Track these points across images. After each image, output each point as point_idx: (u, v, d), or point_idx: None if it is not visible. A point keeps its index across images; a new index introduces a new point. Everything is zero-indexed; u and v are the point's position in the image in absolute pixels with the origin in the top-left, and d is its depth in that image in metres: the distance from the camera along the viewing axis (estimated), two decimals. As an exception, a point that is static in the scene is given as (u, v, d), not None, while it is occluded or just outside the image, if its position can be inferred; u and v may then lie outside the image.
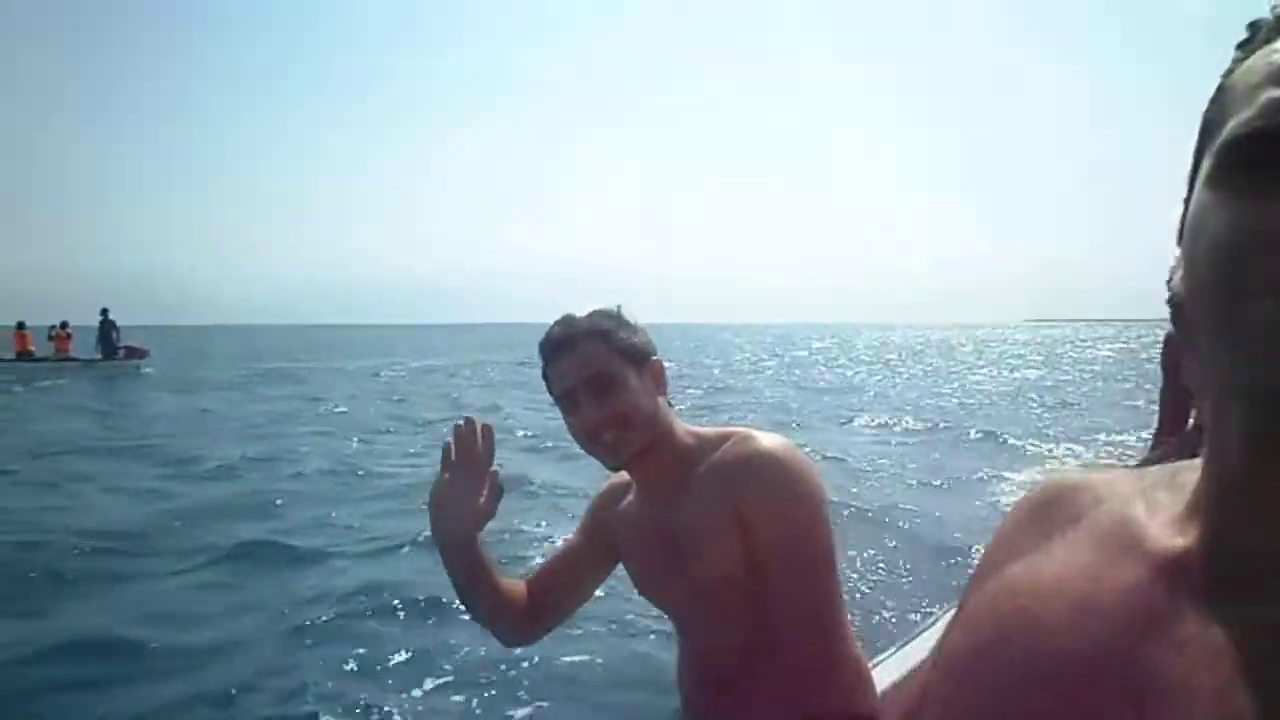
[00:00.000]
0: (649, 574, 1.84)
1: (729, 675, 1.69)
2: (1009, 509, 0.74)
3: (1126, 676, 0.54)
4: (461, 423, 1.76)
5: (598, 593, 2.03)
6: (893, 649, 2.36)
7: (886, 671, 2.10)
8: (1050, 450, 12.50)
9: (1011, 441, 13.10)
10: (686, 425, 1.79)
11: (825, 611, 1.62)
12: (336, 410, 18.55)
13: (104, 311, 27.39)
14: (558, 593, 1.95)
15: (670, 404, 1.79)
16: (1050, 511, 0.69)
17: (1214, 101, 0.56)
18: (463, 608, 1.87)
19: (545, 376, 1.77)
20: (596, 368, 1.69)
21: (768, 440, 1.67)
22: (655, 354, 1.78)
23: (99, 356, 27.41)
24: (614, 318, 1.75)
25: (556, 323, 1.76)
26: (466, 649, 4.92)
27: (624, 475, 1.87)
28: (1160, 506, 0.61)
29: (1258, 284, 0.49)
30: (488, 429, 1.76)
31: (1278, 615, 0.51)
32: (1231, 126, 0.53)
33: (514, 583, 1.91)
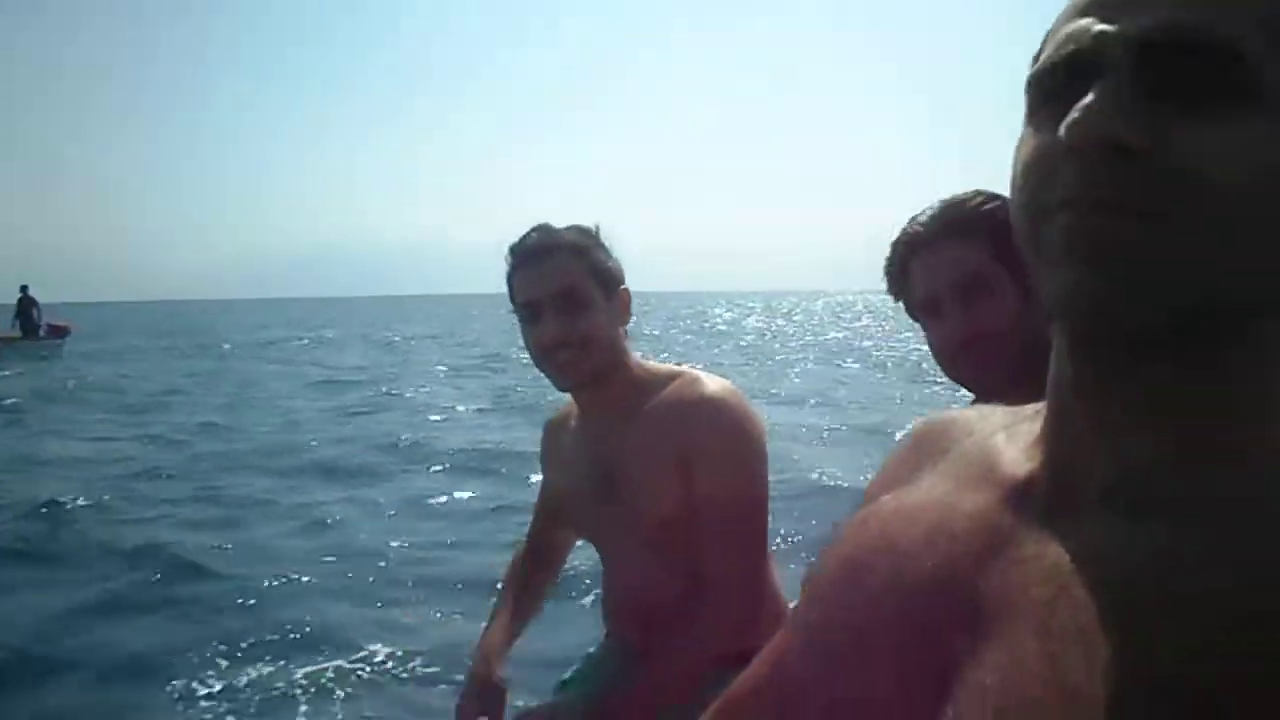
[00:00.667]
0: (580, 503, 1.84)
1: (658, 610, 1.69)
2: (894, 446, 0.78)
3: (968, 595, 0.55)
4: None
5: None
6: None
7: None
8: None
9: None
10: (638, 358, 1.78)
11: (756, 554, 1.64)
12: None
13: (23, 288, 26.49)
14: (552, 532, 2.03)
15: (627, 334, 1.77)
16: (924, 445, 0.71)
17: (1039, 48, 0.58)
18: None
19: (510, 281, 1.71)
20: (568, 283, 1.66)
21: (714, 384, 1.67)
22: (624, 282, 1.75)
23: (18, 334, 26.53)
24: (593, 237, 1.73)
25: (534, 229, 1.71)
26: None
27: (570, 405, 1.86)
28: (1020, 435, 0.62)
29: (1054, 201, 0.50)
30: None
31: (1105, 531, 0.52)
32: (1034, 65, 0.55)
33: (531, 574, 2.02)
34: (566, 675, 1.96)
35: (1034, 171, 0.52)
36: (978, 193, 1.44)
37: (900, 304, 1.50)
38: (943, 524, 0.60)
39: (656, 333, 35.40)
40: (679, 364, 1.84)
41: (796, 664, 0.69)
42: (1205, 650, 0.45)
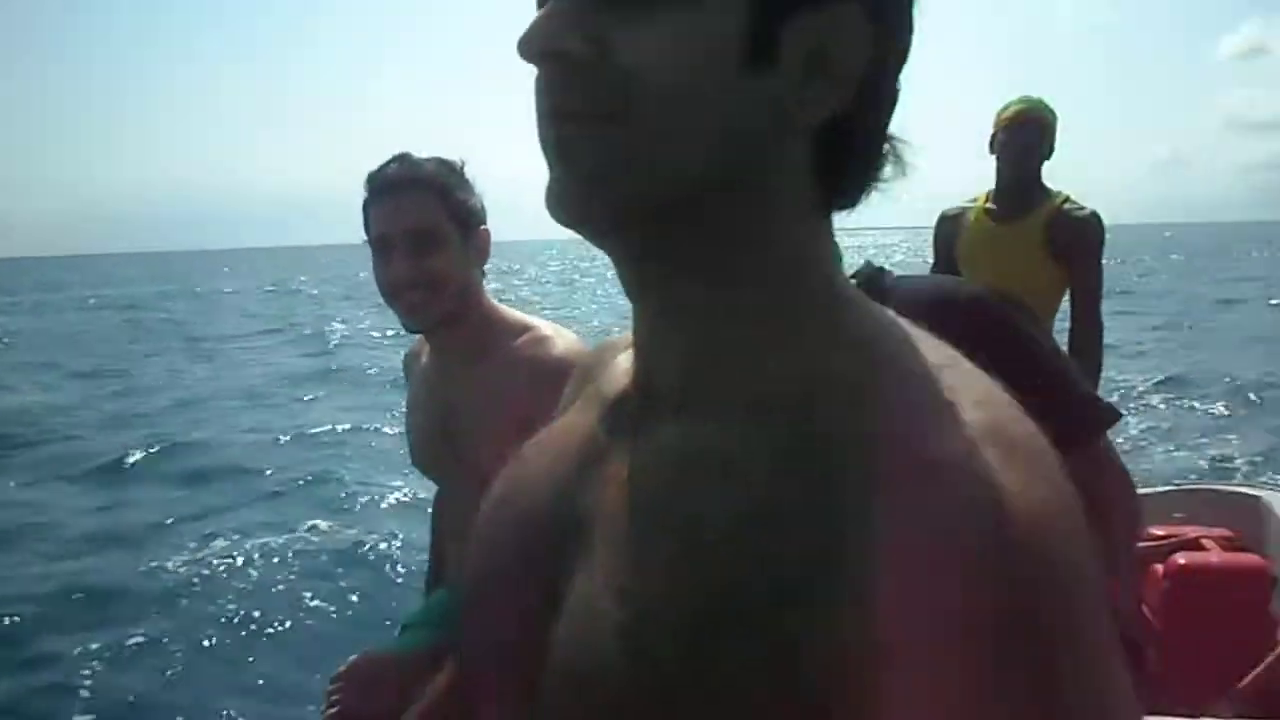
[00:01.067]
0: (422, 440, 1.81)
1: None
2: None
3: (568, 512, 0.57)
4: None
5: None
6: None
7: None
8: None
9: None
10: (492, 302, 1.73)
11: None
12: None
13: None
14: None
15: (484, 275, 1.72)
16: (580, 377, 0.73)
17: None
18: None
19: (365, 212, 1.65)
20: (423, 222, 1.60)
21: (563, 344, 1.63)
22: (485, 222, 1.69)
23: None
24: (456, 173, 1.66)
25: (394, 159, 1.64)
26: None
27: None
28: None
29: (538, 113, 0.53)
30: None
31: (671, 435, 0.53)
32: None
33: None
34: (406, 619, 1.91)
35: (534, 88, 0.53)
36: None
37: None
38: (562, 448, 0.62)
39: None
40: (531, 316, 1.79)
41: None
42: (711, 557, 0.47)
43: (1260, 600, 2.52)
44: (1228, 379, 11.08)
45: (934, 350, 0.51)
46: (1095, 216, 3.12)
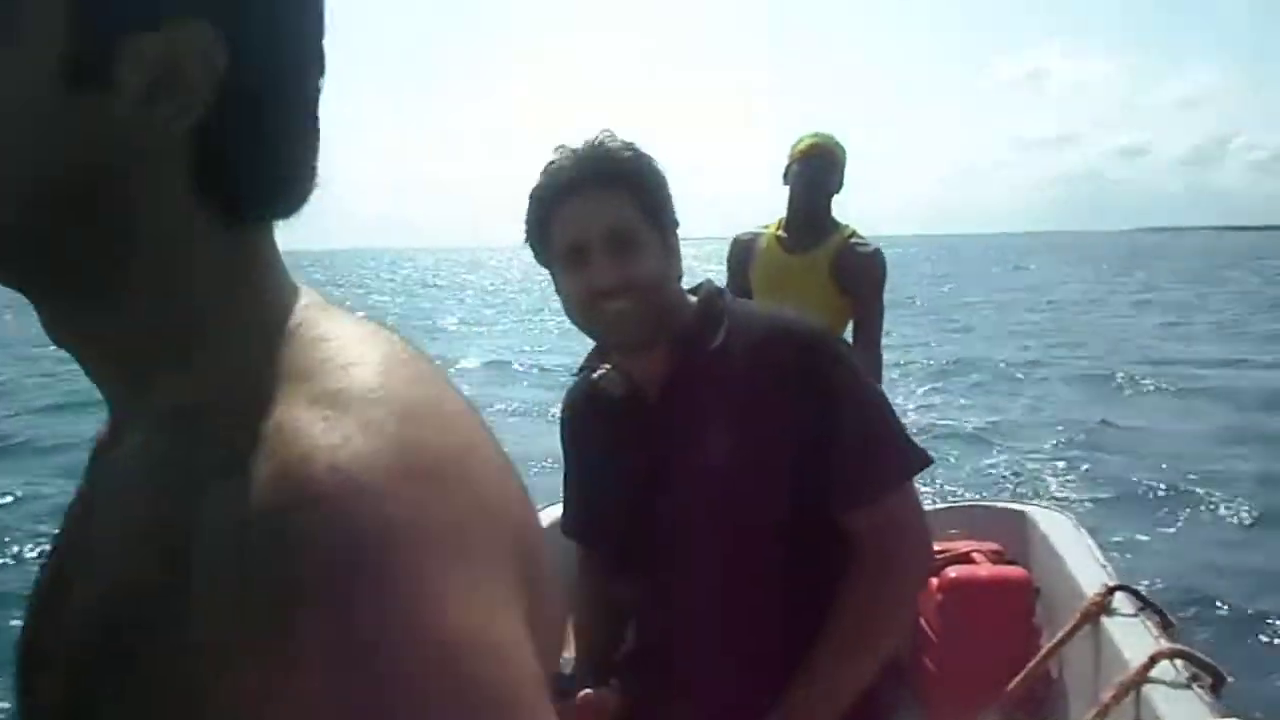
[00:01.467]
0: None
1: None
2: None
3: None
4: None
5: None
6: None
7: None
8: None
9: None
10: None
11: None
12: None
13: None
14: None
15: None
16: None
17: None
18: None
19: None
20: None
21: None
22: None
23: None
24: None
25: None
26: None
27: None
28: None
29: None
30: None
31: (103, 463, 0.55)
32: None
33: None
34: None
35: None
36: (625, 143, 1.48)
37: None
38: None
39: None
40: None
41: None
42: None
43: (1024, 609, 2.67)
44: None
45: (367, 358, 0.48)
46: (878, 253, 3.28)
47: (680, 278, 1.56)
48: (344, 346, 0.47)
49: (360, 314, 0.52)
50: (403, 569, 0.37)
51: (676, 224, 1.53)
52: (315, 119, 0.53)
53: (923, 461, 1.52)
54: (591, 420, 1.65)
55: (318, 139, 0.53)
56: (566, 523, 1.76)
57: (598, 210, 1.44)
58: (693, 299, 1.58)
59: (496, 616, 0.39)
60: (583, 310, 1.48)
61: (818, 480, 1.45)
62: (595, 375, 1.61)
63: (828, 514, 1.49)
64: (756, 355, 1.48)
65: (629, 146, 1.48)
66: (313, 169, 0.53)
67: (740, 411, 1.47)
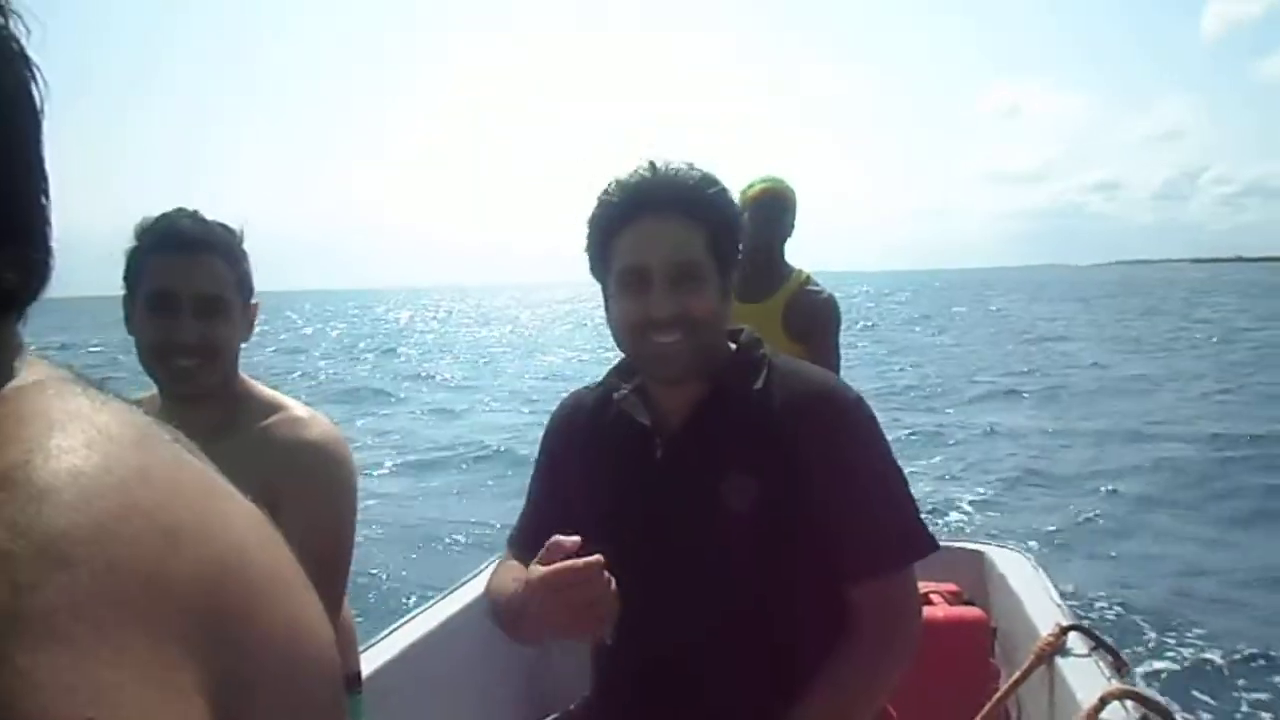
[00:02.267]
0: None
1: None
2: None
3: None
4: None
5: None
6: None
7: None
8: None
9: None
10: (245, 377, 1.68)
11: (326, 587, 1.59)
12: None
13: None
14: None
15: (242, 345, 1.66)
16: None
17: None
18: None
19: (137, 260, 1.55)
20: (214, 287, 1.55)
21: (317, 429, 1.61)
22: (254, 294, 1.66)
23: None
24: (239, 241, 1.61)
25: (184, 213, 1.56)
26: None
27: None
28: None
29: None
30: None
31: None
32: None
33: None
34: None
35: None
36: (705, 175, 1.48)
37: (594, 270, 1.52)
38: None
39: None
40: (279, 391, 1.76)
41: None
42: None
43: (982, 650, 2.68)
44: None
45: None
46: (831, 300, 3.26)
47: (729, 319, 1.55)
48: (5, 427, 0.43)
49: (83, 387, 0.48)
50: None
51: (738, 264, 1.52)
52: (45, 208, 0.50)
53: (930, 546, 1.52)
54: (593, 435, 1.62)
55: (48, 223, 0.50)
56: (523, 531, 1.66)
57: (669, 237, 1.43)
58: (731, 345, 1.59)
59: (111, 698, 0.35)
60: (632, 335, 1.47)
61: (826, 545, 1.46)
62: (618, 395, 1.60)
63: (829, 579, 1.48)
64: (791, 409, 1.48)
65: (712, 180, 1.47)
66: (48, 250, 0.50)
67: (763, 459, 1.46)
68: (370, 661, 2.12)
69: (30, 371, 0.48)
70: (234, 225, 1.60)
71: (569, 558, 1.20)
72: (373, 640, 2.34)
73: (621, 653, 1.51)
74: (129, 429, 0.46)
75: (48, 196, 0.49)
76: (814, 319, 3.21)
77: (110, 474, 0.42)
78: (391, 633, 2.44)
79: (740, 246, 1.53)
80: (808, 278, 3.26)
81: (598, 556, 1.20)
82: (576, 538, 1.22)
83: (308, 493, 1.53)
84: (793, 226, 3.24)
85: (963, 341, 28.59)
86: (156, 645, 0.37)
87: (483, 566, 3.02)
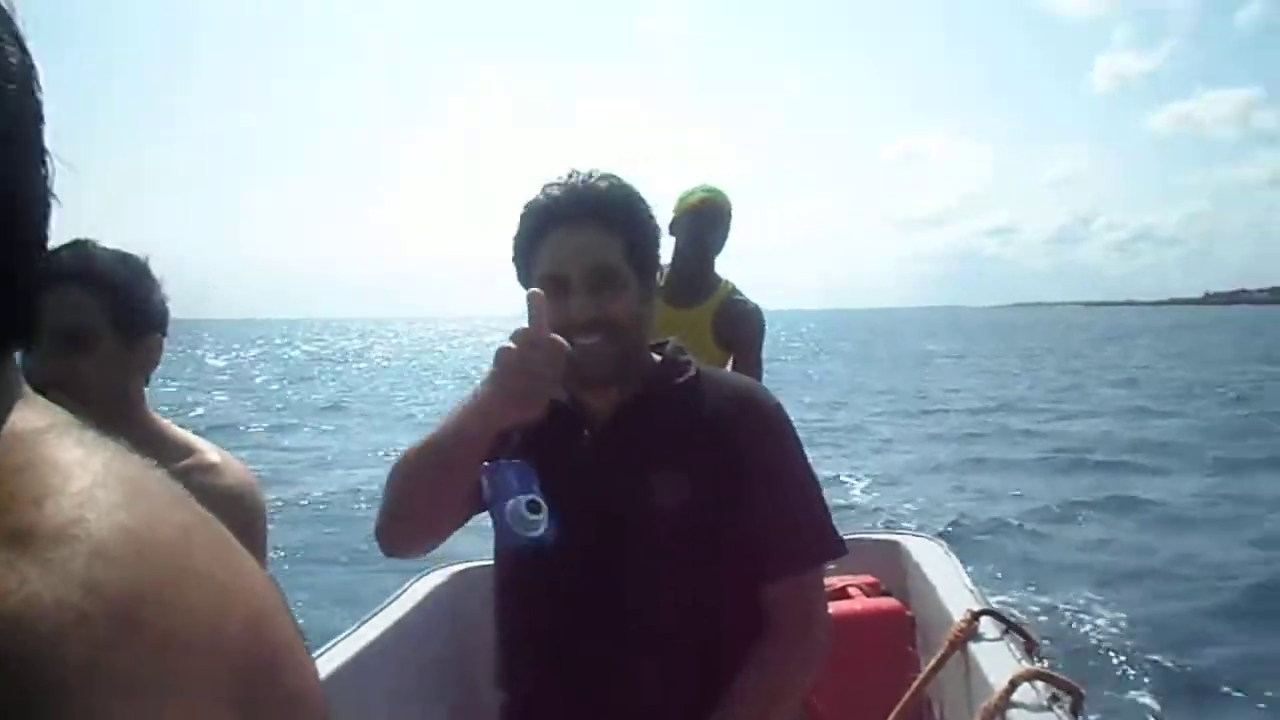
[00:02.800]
0: None
1: None
2: None
3: None
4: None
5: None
6: None
7: None
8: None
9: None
10: (154, 416, 1.61)
11: None
12: None
13: None
14: None
15: (145, 384, 1.60)
16: None
17: None
18: None
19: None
20: (77, 324, 1.46)
21: (231, 477, 1.55)
22: (162, 328, 1.57)
23: None
24: (134, 270, 1.53)
25: (67, 245, 1.48)
26: None
27: None
28: None
29: None
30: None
31: None
32: None
33: None
34: None
35: None
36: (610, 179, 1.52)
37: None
38: None
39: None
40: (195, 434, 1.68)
41: None
42: None
43: (901, 640, 2.73)
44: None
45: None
46: (757, 310, 3.32)
47: (652, 323, 1.59)
48: (42, 477, 0.43)
49: (94, 433, 0.49)
50: (78, 714, 0.35)
51: (658, 268, 1.56)
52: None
53: (841, 549, 1.62)
54: (525, 429, 1.61)
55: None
56: None
57: (585, 244, 1.47)
58: (656, 357, 1.62)
59: None
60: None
61: (749, 544, 1.50)
62: None
63: (751, 579, 1.52)
64: (718, 412, 1.54)
65: (625, 187, 1.51)
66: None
67: (691, 459, 1.50)
68: None
69: (33, 414, 0.48)
70: (138, 255, 1.53)
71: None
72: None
73: (548, 643, 1.55)
74: (158, 484, 0.48)
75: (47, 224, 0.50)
76: (741, 328, 3.26)
77: (155, 532, 0.43)
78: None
79: (658, 254, 1.57)
80: (734, 288, 3.31)
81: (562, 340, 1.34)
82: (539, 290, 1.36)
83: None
84: (725, 237, 3.27)
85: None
86: (213, 704, 0.40)
87: (400, 590, 2.92)
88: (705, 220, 3.20)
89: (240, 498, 1.53)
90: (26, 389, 0.50)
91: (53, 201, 0.49)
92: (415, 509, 1.53)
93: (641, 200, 1.53)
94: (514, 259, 1.55)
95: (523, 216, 1.52)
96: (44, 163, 0.48)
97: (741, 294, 3.32)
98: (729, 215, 3.26)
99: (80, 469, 0.44)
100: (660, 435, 1.53)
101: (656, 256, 1.57)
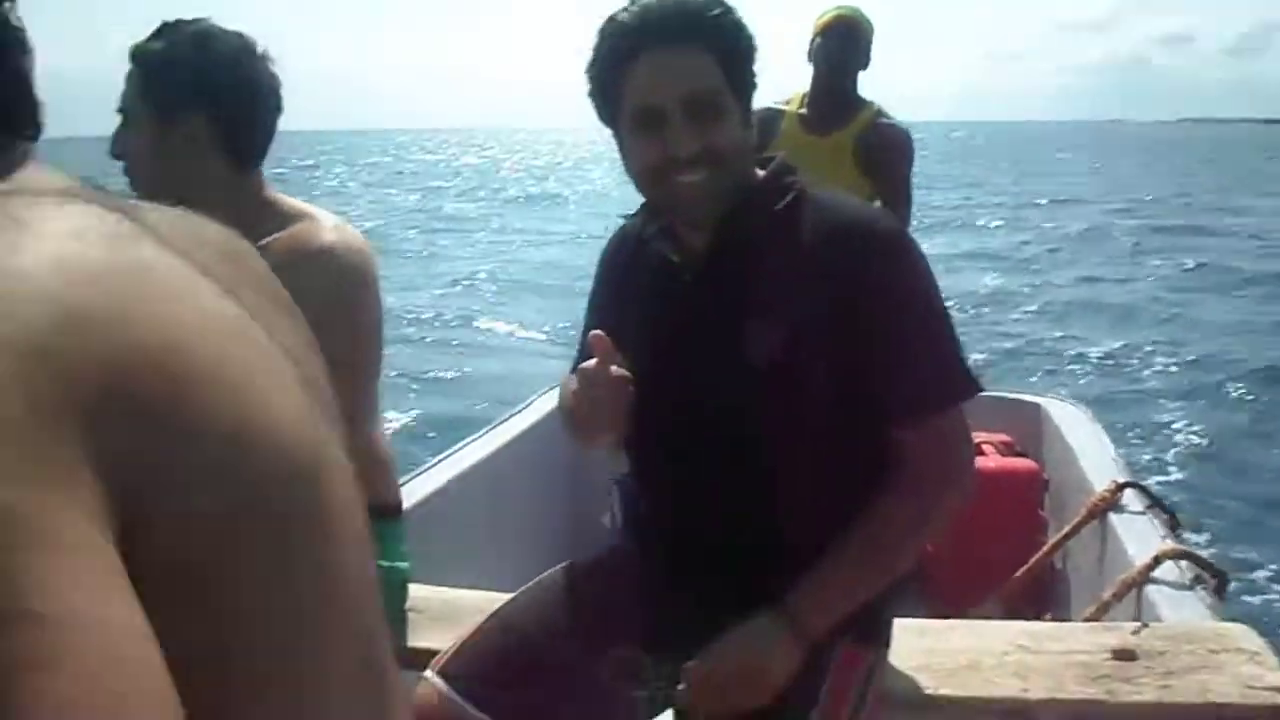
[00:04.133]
0: None
1: None
2: None
3: None
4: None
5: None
6: None
7: None
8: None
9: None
10: (268, 191, 1.61)
11: (356, 409, 1.57)
12: None
13: None
14: None
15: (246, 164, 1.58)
16: None
17: None
18: None
19: None
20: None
21: (329, 235, 1.54)
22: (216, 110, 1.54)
23: None
24: (155, 49, 1.53)
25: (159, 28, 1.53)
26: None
27: None
28: None
29: None
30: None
31: None
32: None
33: None
34: None
35: None
36: None
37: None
38: None
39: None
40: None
41: None
42: None
43: (1032, 502, 2.65)
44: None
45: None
46: (906, 134, 3.11)
47: (752, 151, 1.46)
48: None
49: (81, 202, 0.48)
50: None
51: (755, 87, 1.41)
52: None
53: (975, 389, 1.44)
54: (629, 271, 1.56)
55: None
56: (576, 363, 1.60)
57: (681, 68, 1.33)
58: (760, 173, 1.49)
59: None
60: (653, 179, 1.38)
61: (866, 384, 1.38)
62: (645, 233, 1.52)
63: (869, 421, 1.41)
64: (827, 239, 1.40)
65: (718, 0, 1.35)
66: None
67: (793, 295, 1.39)
68: (413, 493, 2.15)
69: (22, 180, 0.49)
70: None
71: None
72: (415, 472, 2.38)
73: (649, 502, 1.54)
74: (90, 230, 0.46)
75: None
76: (888, 151, 3.05)
77: (18, 260, 0.42)
78: (434, 466, 2.47)
79: (755, 73, 1.41)
80: (880, 110, 3.11)
81: (617, 369, 1.31)
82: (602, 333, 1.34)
83: (313, 305, 1.48)
84: (868, 60, 3.08)
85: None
86: (34, 412, 0.38)
87: (529, 400, 3.03)
88: (839, 40, 3.01)
89: (334, 253, 1.52)
90: (30, 173, 0.50)
91: None
92: (576, 438, 1.55)
93: (733, 9, 1.36)
94: (591, 92, 1.41)
95: (600, 40, 1.36)
96: None
97: (889, 115, 3.12)
98: (868, 34, 3.05)
99: (49, 237, 0.44)
100: (762, 274, 1.41)
101: (754, 75, 1.40)
